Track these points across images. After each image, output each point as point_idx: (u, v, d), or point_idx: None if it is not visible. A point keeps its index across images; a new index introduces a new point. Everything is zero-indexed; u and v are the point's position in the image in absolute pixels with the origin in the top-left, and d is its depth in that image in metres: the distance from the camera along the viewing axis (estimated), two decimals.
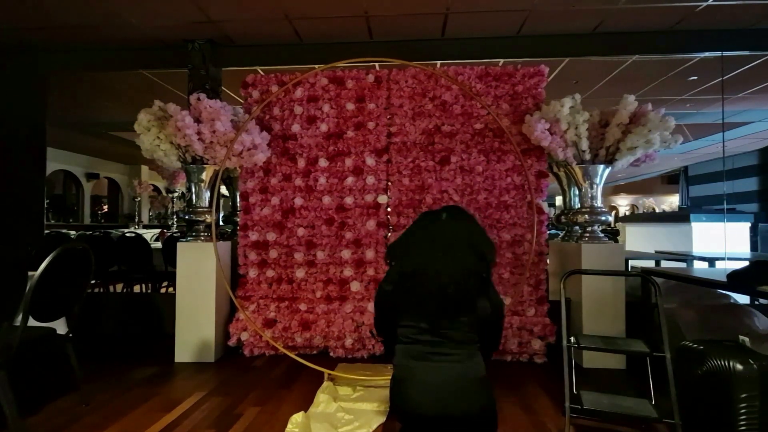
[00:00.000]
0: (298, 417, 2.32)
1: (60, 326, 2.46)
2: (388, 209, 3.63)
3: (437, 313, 1.44)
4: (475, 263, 1.45)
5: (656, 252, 4.82)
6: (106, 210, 13.22)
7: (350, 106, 3.65)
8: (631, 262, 4.14)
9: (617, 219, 9.55)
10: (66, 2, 3.46)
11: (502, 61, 4.27)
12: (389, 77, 3.66)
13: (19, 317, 2.07)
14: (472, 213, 1.59)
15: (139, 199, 12.16)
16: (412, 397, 1.43)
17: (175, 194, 11.59)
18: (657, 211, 14.05)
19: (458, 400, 1.41)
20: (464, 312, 1.45)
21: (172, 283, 3.78)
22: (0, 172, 4.39)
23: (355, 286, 3.55)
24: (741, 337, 1.96)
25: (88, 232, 7.04)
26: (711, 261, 3.96)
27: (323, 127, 3.67)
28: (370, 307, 3.51)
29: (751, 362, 1.77)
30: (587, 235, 3.45)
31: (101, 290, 5.18)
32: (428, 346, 1.47)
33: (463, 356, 1.45)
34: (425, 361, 1.46)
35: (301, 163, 3.68)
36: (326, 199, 3.63)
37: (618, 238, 7.30)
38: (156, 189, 13.50)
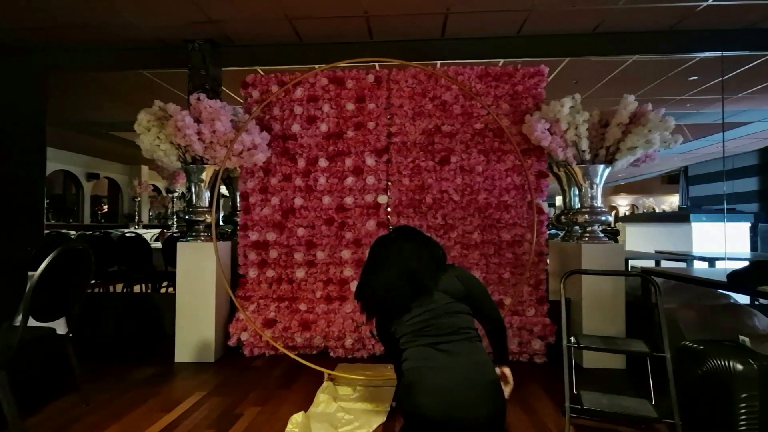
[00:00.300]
0: (298, 417, 2.32)
1: (60, 326, 2.46)
2: (388, 209, 3.63)
3: (411, 294, 1.56)
4: (426, 257, 1.64)
5: (656, 252, 4.83)
6: (106, 210, 13.22)
7: (350, 106, 3.65)
8: (631, 262, 4.14)
9: (617, 219, 9.55)
10: (66, 2, 3.46)
11: (502, 61, 4.27)
12: (389, 77, 3.66)
13: (19, 317, 2.07)
14: (418, 228, 1.79)
15: (139, 199, 12.17)
16: (421, 402, 1.42)
17: (175, 194, 11.61)
18: (657, 211, 14.05)
19: (469, 406, 1.40)
20: (430, 281, 1.57)
21: (172, 283, 3.77)
22: (0, 172, 4.39)
23: (355, 286, 3.54)
24: (741, 337, 1.96)
25: (88, 232, 7.04)
26: (711, 261, 3.96)
27: (323, 127, 3.67)
28: None
29: (751, 362, 1.77)
30: (587, 235, 3.45)
31: (101, 290, 5.18)
32: (428, 337, 1.47)
33: (465, 347, 1.47)
34: (431, 358, 1.45)
35: (301, 163, 3.68)
36: (326, 199, 3.63)
37: (618, 238, 7.31)
38: (156, 189, 13.51)
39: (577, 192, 3.75)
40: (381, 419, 2.37)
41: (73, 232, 7.68)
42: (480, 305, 1.63)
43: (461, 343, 1.48)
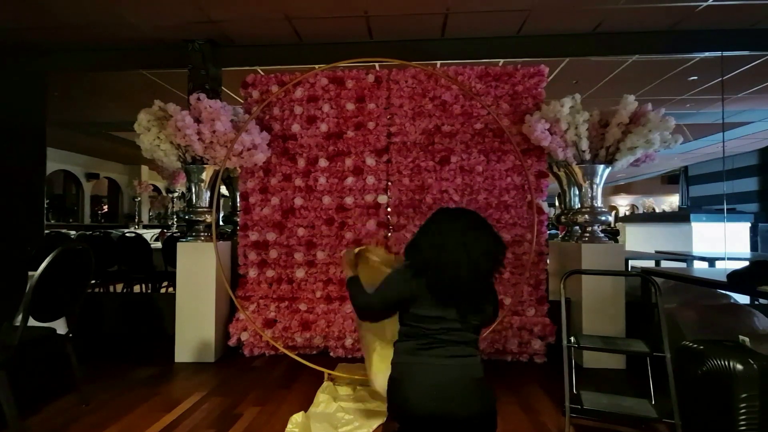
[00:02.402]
0: (298, 417, 2.32)
1: (60, 326, 2.46)
2: (388, 209, 3.63)
3: (459, 305, 1.44)
4: (491, 266, 1.47)
5: (656, 252, 4.82)
6: (106, 210, 13.23)
7: (350, 106, 3.65)
8: (631, 262, 4.14)
9: (617, 219, 9.55)
10: (66, 2, 3.46)
11: (502, 61, 4.27)
12: (389, 77, 3.66)
13: (19, 317, 2.07)
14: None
15: (139, 199, 12.17)
16: (411, 398, 1.42)
17: (175, 194, 11.60)
18: (657, 211, 14.05)
19: (458, 402, 1.40)
20: (476, 304, 1.47)
21: (172, 283, 3.78)
22: (0, 172, 4.39)
23: None
24: (741, 337, 1.96)
25: (88, 232, 7.05)
26: (711, 261, 3.96)
27: (323, 127, 3.67)
28: None
29: (751, 362, 1.77)
30: (587, 235, 3.45)
31: (101, 290, 5.18)
32: (431, 341, 1.46)
33: (464, 353, 1.45)
34: (421, 355, 1.44)
35: (301, 163, 3.68)
36: (326, 199, 3.63)
37: (618, 238, 7.31)
38: (156, 189, 13.51)
39: (577, 192, 3.76)
40: (381, 419, 2.36)
41: (73, 232, 7.69)
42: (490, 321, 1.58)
43: (456, 346, 1.47)
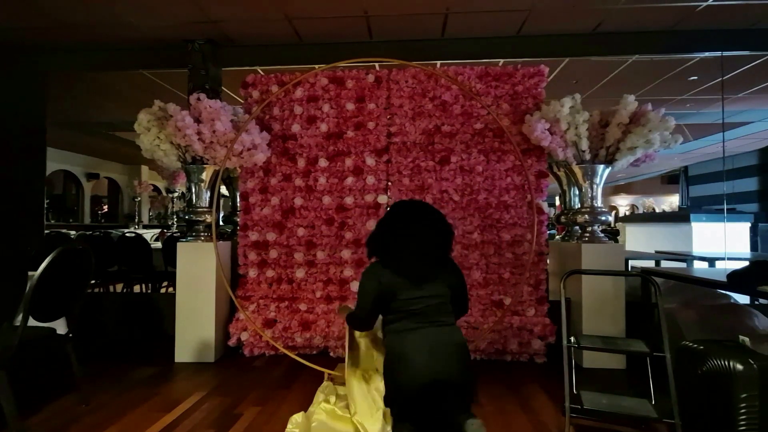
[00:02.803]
0: (298, 417, 2.31)
1: (60, 326, 2.46)
2: (388, 209, 3.62)
3: (421, 274, 1.70)
4: (441, 247, 1.78)
5: (656, 252, 4.82)
6: (106, 210, 13.23)
7: (350, 106, 3.65)
8: (631, 262, 4.14)
9: (617, 219, 9.56)
10: (66, 2, 3.46)
11: (502, 61, 4.27)
12: (389, 77, 3.66)
13: (19, 317, 2.07)
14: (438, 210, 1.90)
15: (139, 199, 12.17)
16: (409, 373, 1.58)
17: (175, 194, 11.61)
18: (657, 211, 14.06)
19: (449, 364, 1.59)
20: (439, 270, 1.74)
21: (172, 283, 3.78)
22: (0, 172, 4.39)
23: (355, 286, 3.55)
24: (741, 337, 1.96)
25: (88, 232, 7.05)
26: (711, 261, 3.96)
27: (323, 127, 3.67)
28: None
29: (751, 362, 1.77)
30: (587, 235, 3.45)
31: (101, 290, 5.18)
32: (418, 316, 1.66)
33: (446, 322, 1.70)
34: (416, 332, 1.64)
35: (301, 163, 3.68)
36: (326, 199, 3.63)
37: (618, 238, 7.31)
38: (156, 189, 13.52)
39: (577, 192, 3.75)
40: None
41: (73, 232, 7.69)
42: (460, 297, 1.82)
43: (438, 315, 1.68)
